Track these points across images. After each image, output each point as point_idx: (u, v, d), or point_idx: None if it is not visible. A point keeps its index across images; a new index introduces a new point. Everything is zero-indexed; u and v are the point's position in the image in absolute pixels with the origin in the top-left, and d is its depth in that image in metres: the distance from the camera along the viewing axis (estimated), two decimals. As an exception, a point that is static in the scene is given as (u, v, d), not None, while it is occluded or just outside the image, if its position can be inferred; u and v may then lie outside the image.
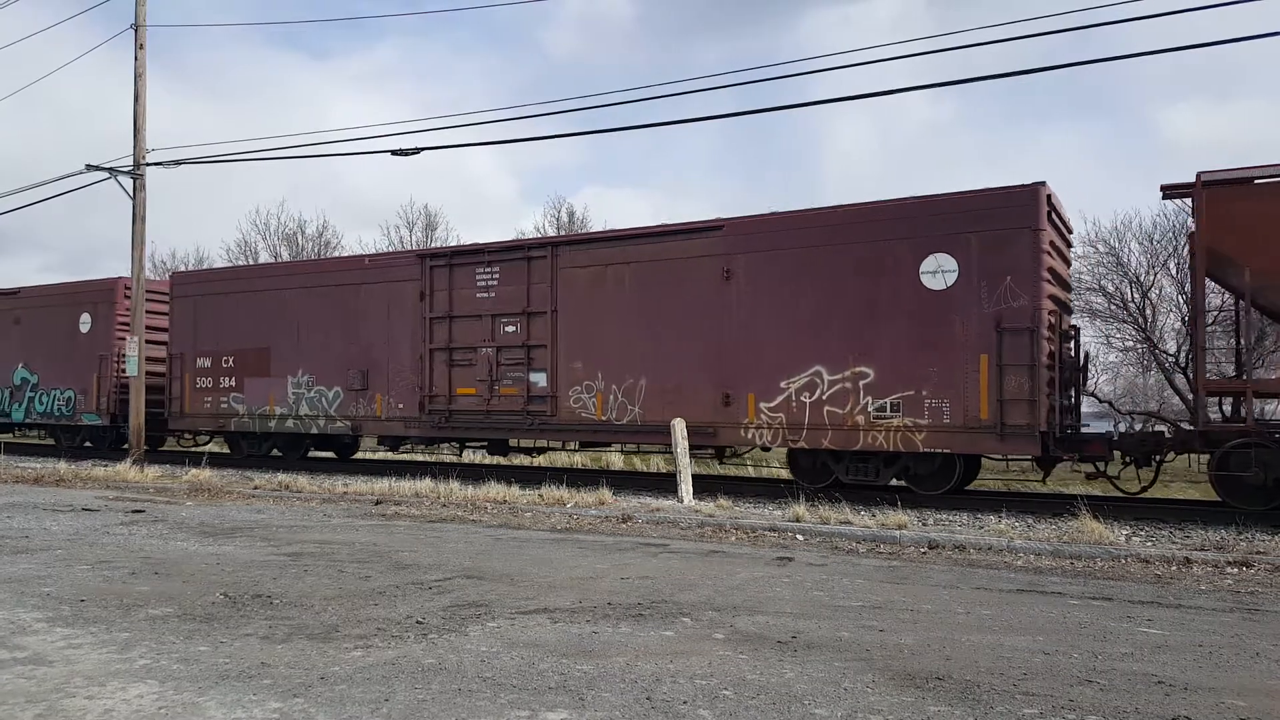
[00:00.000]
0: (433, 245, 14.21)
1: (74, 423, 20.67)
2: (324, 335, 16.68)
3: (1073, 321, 13.17)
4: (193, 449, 20.46)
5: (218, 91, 75.81)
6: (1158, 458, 11.40)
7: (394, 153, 15.11)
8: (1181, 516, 10.82)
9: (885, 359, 11.84)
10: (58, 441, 21.73)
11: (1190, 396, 21.19)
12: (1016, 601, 6.13)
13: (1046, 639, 5.06)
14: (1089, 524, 8.84)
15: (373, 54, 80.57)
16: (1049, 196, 11.22)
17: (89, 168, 17.14)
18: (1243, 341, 12.19)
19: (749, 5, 78.80)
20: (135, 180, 17.12)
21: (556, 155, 71.55)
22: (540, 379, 14.45)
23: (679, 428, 12.40)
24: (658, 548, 8.35)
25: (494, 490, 12.06)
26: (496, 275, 14.95)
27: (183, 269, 43.55)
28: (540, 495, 11.78)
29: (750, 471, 18.38)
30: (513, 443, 15.55)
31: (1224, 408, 12.18)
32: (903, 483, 12.40)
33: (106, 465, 16.85)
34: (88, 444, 21.08)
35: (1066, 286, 12.72)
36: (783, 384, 12.47)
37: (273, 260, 40.42)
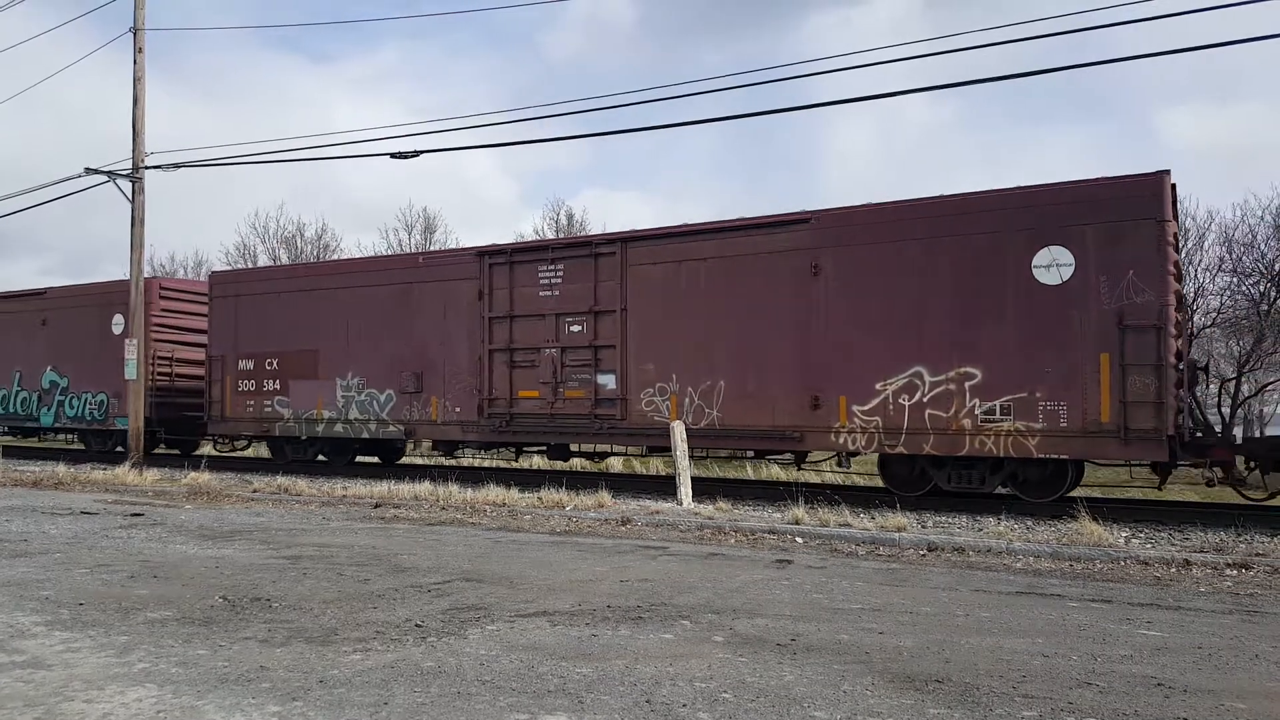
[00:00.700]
0: (492, 244, 13.53)
1: (106, 427, 20.03)
2: (375, 336, 16.07)
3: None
4: (230, 454, 19.87)
5: (217, 95, 75.91)
6: None
7: (393, 155, 15.11)
8: (1181, 519, 10.81)
9: (993, 359, 11.17)
10: (87, 446, 21.08)
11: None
12: (1016, 604, 6.13)
13: (1046, 641, 5.06)
14: (1088, 526, 8.85)
15: (373, 57, 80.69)
16: (1173, 186, 10.69)
17: (88, 171, 17.14)
18: None
19: (750, 8, 78.91)
20: (134, 183, 17.12)
21: (556, 158, 71.65)
22: (609, 381, 13.87)
23: (678, 430, 12.39)
24: (657, 550, 8.35)
25: (493, 493, 12.06)
26: (560, 273, 14.37)
27: (181, 273, 43.60)
28: (539, 498, 11.77)
29: (758, 474, 18.37)
30: (574, 447, 15.05)
31: None
32: (1008, 490, 11.78)
33: (105, 468, 16.82)
34: (119, 448, 20.32)
35: (1181, 279, 11.97)
36: (878, 386, 11.82)
37: (279, 262, 40.40)
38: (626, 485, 14.81)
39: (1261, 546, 8.69)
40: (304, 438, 17.16)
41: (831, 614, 5.70)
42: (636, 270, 13.74)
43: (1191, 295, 21.97)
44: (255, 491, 13.31)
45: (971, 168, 64.36)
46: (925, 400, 11.55)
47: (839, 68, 12.48)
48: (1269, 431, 25.41)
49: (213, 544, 8.37)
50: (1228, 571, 7.50)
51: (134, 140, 17.17)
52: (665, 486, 13.93)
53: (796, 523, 9.77)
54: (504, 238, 43.79)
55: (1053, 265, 10.97)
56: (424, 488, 12.60)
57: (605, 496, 11.69)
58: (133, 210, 17.19)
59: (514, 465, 18.48)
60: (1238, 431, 14.77)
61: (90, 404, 20.17)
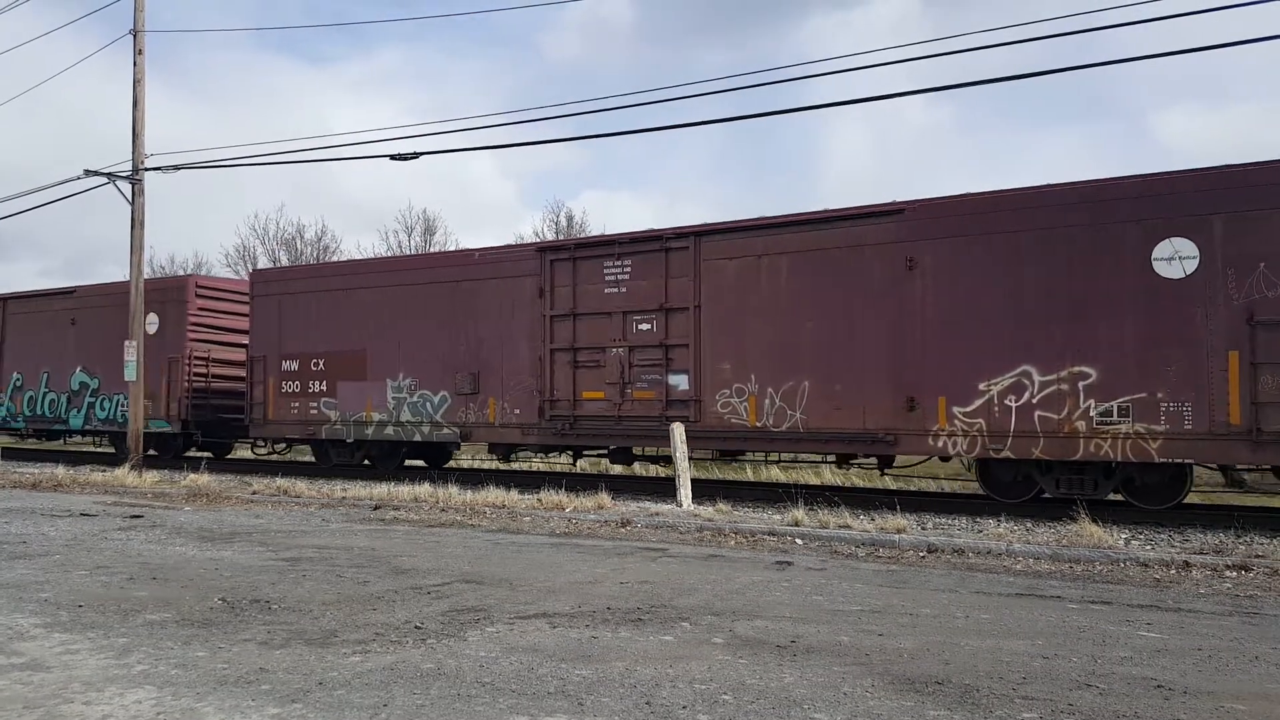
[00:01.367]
0: (552, 240, 12.88)
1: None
2: (428, 336, 15.53)
3: None
4: (268, 457, 19.27)
5: (217, 96, 75.90)
6: None
7: (393, 157, 15.10)
8: (1180, 520, 10.79)
9: (1109, 357, 10.57)
10: (117, 450, 20.02)
11: None
12: (1015, 605, 6.13)
13: (1045, 643, 5.05)
14: (1088, 527, 8.84)
15: (372, 59, 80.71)
16: None
17: (87, 173, 17.12)
18: None
19: (750, 10, 78.97)
20: (134, 185, 17.12)
21: (556, 159, 71.60)
22: (681, 381, 13.34)
23: (678, 431, 12.38)
24: (657, 552, 8.35)
25: (493, 495, 12.05)
26: (628, 269, 13.81)
27: (181, 273, 43.57)
28: (539, 500, 11.77)
29: (749, 475, 18.35)
30: (636, 450, 14.57)
31: None
32: (1120, 496, 11.24)
33: (105, 470, 16.80)
34: (152, 452, 19.41)
35: None
36: (981, 386, 11.23)
37: (279, 263, 40.39)
38: (626, 487, 14.80)
39: (1261, 548, 8.70)
40: (351, 440, 16.56)
41: (831, 616, 5.70)
42: (711, 265, 13.19)
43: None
44: (254, 493, 13.31)
45: (972, 168, 64.38)
46: (1035, 401, 10.95)
47: (836, 70, 12.50)
48: None
49: (212, 546, 8.37)
50: (1227, 573, 7.50)
51: (134, 142, 17.17)
52: (665, 488, 13.93)
53: (796, 524, 9.77)
54: (503, 239, 43.78)
55: (1175, 258, 10.37)
56: (423, 489, 12.60)
57: (605, 498, 11.68)
58: (132, 212, 17.18)
59: (510, 467, 18.42)
60: None
61: (122, 406, 19.42)
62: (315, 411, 16.71)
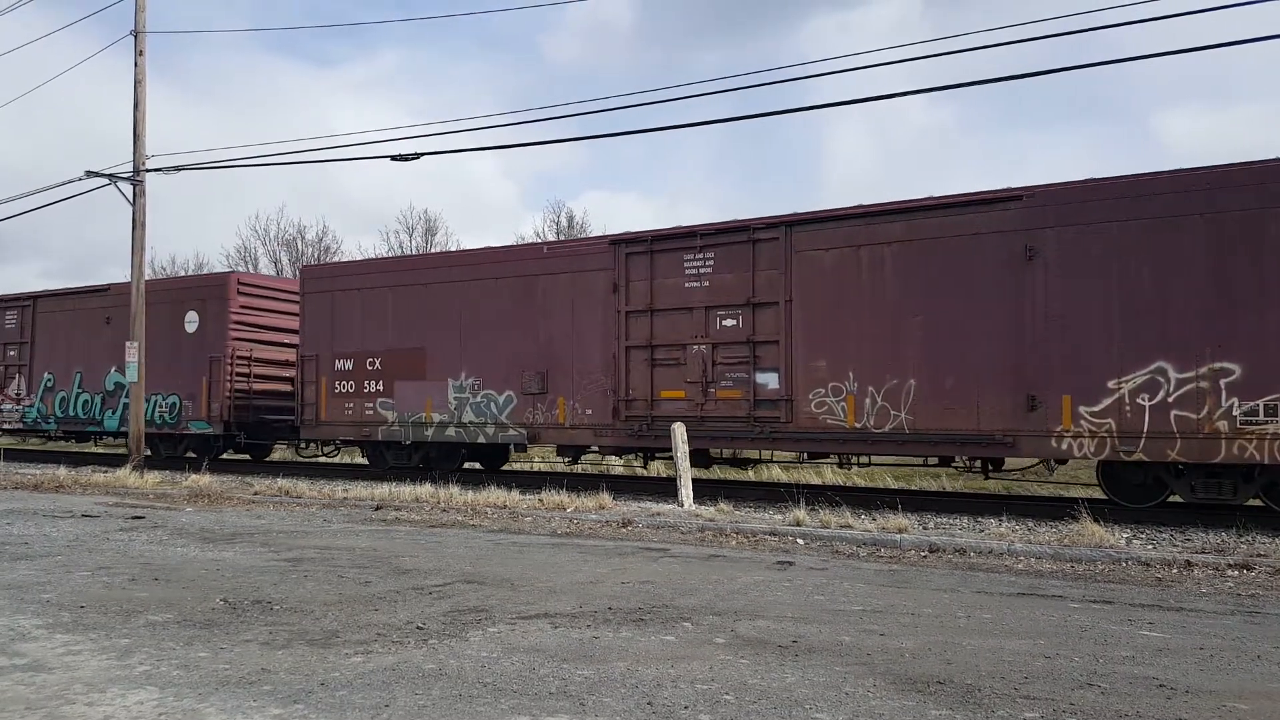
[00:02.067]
0: (627, 232, 12.41)
1: (178, 431, 18.79)
2: (492, 333, 14.91)
3: None
4: (316, 458, 18.78)
5: (218, 97, 75.96)
6: None
7: (394, 158, 15.09)
8: (1182, 519, 10.77)
9: (1255, 352, 9.92)
10: (155, 452, 19.34)
11: None
12: (1017, 605, 6.13)
13: (1047, 642, 5.05)
14: (1090, 527, 8.84)
15: (374, 60, 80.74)
16: None
17: (89, 174, 17.12)
18: None
19: (750, 11, 79.00)
20: (135, 186, 17.13)
21: (556, 159, 71.65)
22: (770, 380, 12.69)
23: (679, 431, 12.39)
24: (658, 552, 8.35)
25: (494, 495, 12.06)
26: (710, 262, 13.18)
27: (182, 273, 43.56)
28: (540, 500, 11.78)
29: (760, 476, 18.35)
30: (713, 452, 14.04)
31: None
32: (1261, 502, 10.63)
33: (106, 471, 16.81)
34: (190, 454, 19.04)
35: None
36: (1110, 384, 10.60)
37: (279, 264, 40.41)
38: (627, 487, 14.80)
39: (1263, 547, 8.69)
40: (409, 442, 15.94)
41: (833, 615, 5.70)
42: (803, 256, 12.50)
43: None
44: (256, 494, 13.31)
45: (971, 168, 64.34)
46: (1171, 400, 10.29)
47: (837, 70, 12.46)
48: None
49: (213, 546, 8.37)
50: (1229, 572, 7.50)
51: (135, 143, 17.18)
52: (666, 488, 13.93)
53: (798, 524, 9.77)
54: (504, 239, 43.86)
55: None
56: (425, 490, 12.61)
57: (606, 498, 11.69)
58: (134, 213, 17.18)
59: (510, 468, 18.39)
60: None
61: (161, 407, 18.90)
62: (371, 412, 16.08)
